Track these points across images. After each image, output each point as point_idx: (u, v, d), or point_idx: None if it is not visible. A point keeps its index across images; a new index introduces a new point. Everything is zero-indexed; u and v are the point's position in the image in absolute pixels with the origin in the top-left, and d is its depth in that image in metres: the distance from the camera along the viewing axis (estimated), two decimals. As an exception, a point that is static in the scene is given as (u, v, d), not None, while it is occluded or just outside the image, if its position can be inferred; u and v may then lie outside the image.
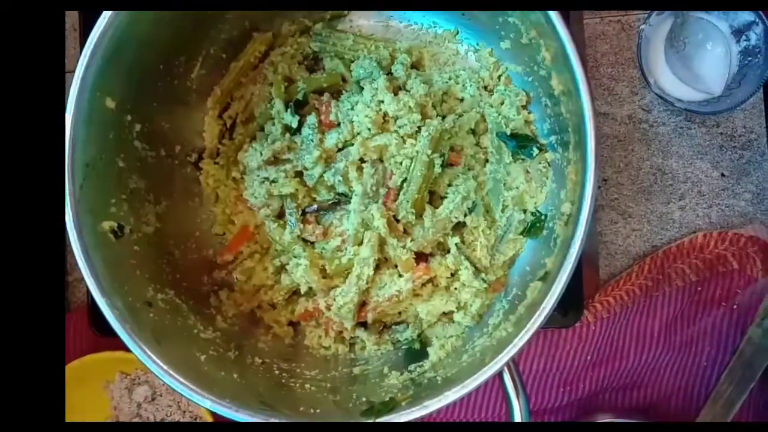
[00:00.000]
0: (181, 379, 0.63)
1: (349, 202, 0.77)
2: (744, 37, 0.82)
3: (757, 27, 0.80)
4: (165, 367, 0.64)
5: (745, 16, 0.80)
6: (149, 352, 0.64)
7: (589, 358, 0.88)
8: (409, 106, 0.74)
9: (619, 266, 0.90)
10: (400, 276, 0.76)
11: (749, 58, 0.82)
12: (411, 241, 0.76)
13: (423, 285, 0.77)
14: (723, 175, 0.89)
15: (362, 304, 0.77)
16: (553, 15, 0.62)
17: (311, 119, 0.77)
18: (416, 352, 0.77)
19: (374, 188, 0.76)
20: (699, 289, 0.87)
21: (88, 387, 0.87)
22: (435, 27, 0.82)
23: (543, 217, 0.75)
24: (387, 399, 0.68)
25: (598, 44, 0.90)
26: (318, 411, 0.68)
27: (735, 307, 0.87)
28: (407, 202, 0.75)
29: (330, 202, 0.79)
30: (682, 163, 0.89)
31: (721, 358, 0.88)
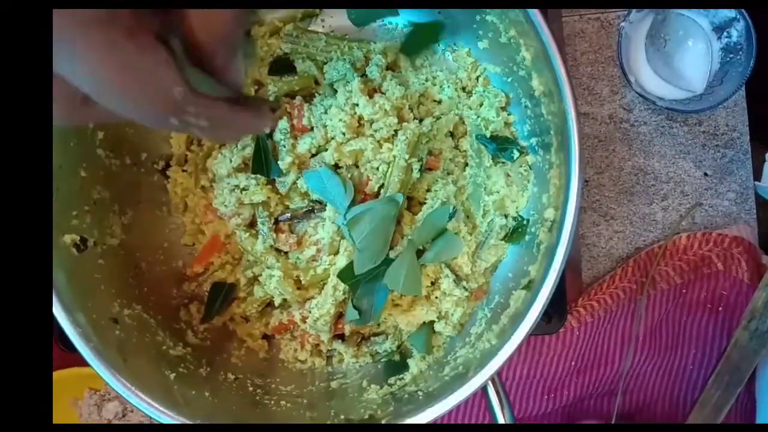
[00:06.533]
0: (150, 401, 0.61)
1: (324, 210, 0.74)
2: (725, 33, 0.80)
3: (739, 23, 0.78)
4: (132, 388, 0.61)
5: (726, 12, 0.78)
6: (115, 372, 0.61)
7: (573, 363, 0.86)
8: (385, 109, 0.71)
9: (602, 269, 0.88)
10: (378, 286, 0.73)
11: (731, 55, 0.80)
12: (389, 249, 0.73)
13: (402, 295, 0.74)
14: (706, 174, 0.88)
15: (339, 316, 0.74)
16: (533, 13, 0.60)
17: (283, 124, 0.73)
18: (396, 365, 0.74)
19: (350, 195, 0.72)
20: (684, 291, 0.86)
21: (56, 404, 0.83)
22: (410, 27, 0.79)
23: (525, 222, 0.73)
24: (366, 416, 0.66)
25: (577, 42, 0.87)
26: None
27: (720, 309, 0.85)
28: (384, 208, 0.72)
29: (304, 209, 0.76)
30: (664, 163, 0.87)
31: (707, 361, 0.86)
